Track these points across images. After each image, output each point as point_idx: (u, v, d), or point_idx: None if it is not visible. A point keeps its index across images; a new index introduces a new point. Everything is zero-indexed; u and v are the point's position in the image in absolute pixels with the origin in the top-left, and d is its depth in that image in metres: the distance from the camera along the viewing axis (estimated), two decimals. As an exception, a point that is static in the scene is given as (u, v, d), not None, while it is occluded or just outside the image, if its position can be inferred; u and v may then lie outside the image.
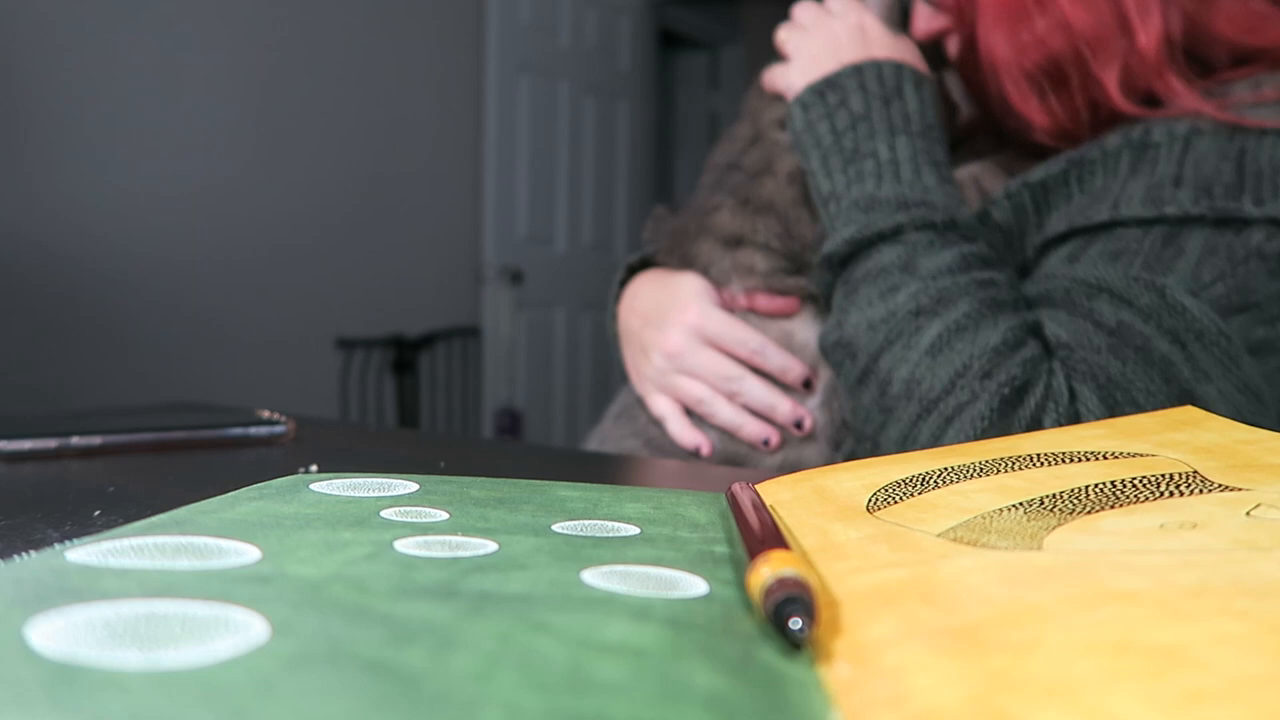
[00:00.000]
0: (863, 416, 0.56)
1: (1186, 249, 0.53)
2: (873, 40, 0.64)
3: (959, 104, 0.70)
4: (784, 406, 0.64)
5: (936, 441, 0.52)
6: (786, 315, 0.65)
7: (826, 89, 0.62)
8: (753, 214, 0.67)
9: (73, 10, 2.07)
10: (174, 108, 2.27)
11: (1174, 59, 0.58)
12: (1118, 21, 0.57)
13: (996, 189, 0.64)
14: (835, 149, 0.61)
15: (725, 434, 0.65)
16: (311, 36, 2.56)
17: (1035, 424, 0.51)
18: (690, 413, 0.67)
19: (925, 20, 0.69)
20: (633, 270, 0.76)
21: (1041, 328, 0.55)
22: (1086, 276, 0.54)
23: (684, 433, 0.66)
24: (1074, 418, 0.51)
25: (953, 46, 0.69)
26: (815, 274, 0.60)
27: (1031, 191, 0.59)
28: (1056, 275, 0.56)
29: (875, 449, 0.56)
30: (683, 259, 0.69)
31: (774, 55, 0.73)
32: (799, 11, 0.69)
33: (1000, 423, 0.51)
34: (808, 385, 0.64)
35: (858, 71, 0.62)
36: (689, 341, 0.65)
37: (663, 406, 0.67)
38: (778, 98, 0.69)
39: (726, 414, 0.64)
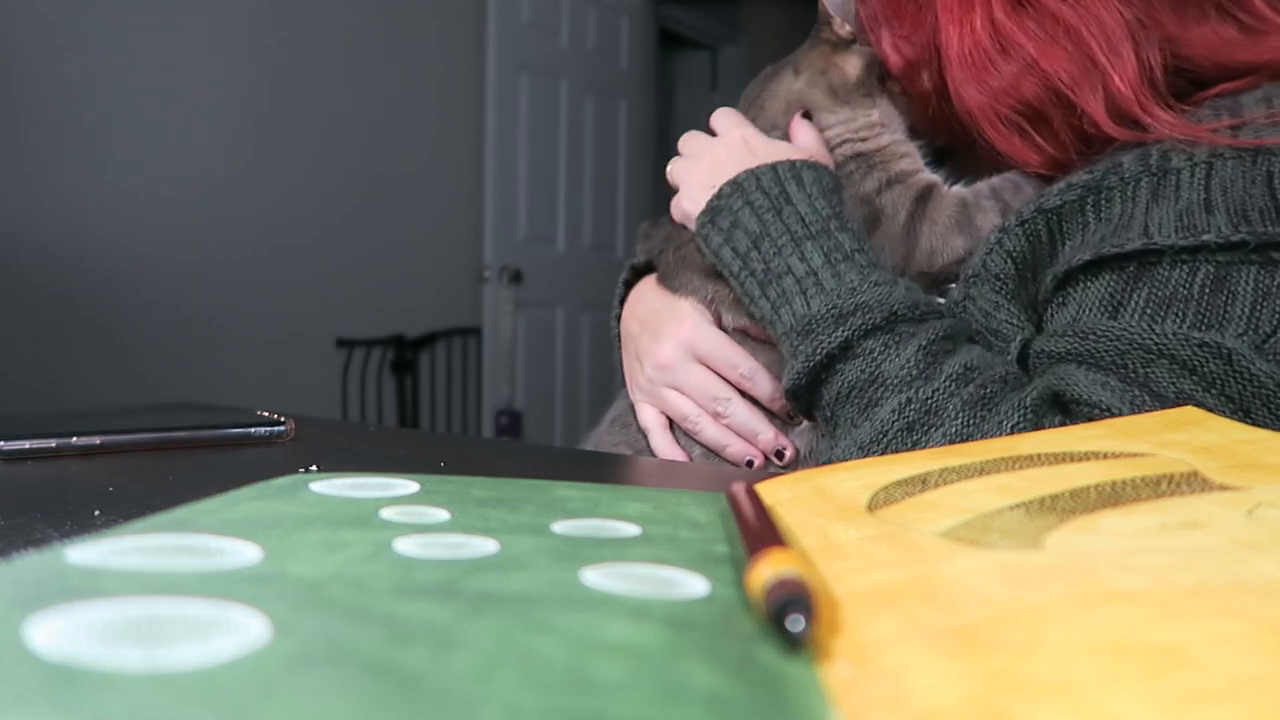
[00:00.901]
0: None
1: (1239, 293, 0.50)
2: (756, 150, 0.64)
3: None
4: (767, 434, 0.64)
5: None
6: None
7: (715, 214, 0.62)
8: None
9: (73, 10, 2.07)
10: (174, 108, 2.27)
11: (1156, 91, 0.56)
12: (1089, 63, 0.56)
13: (1019, 202, 0.63)
14: (746, 272, 0.60)
15: (708, 452, 0.65)
16: (312, 37, 2.56)
17: None
18: (676, 427, 0.67)
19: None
20: (637, 271, 0.76)
21: (1055, 398, 0.52)
22: (1142, 339, 0.51)
23: (666, 447, 0.66)
24: None
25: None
26: (789, 403, 0.59)
27: (1046, 219, 0.57)
28: (1104, 334, 0.52)
29: None
30: (668, 285, 0.69)
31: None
32: (683, 142, 0.70)
33: None
34: (792, 416, 0.64)
35: (738, 188, 0.61)
36: (681, 356, 0.65)
37: (649, 418, 0.67)
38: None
39: (711, 433, 0.64)
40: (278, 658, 0.17)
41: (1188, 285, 0.51)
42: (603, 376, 3.43)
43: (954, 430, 0.51)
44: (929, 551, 0.25)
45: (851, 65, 0.70)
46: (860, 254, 0.58)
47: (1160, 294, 0.52)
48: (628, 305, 0.74)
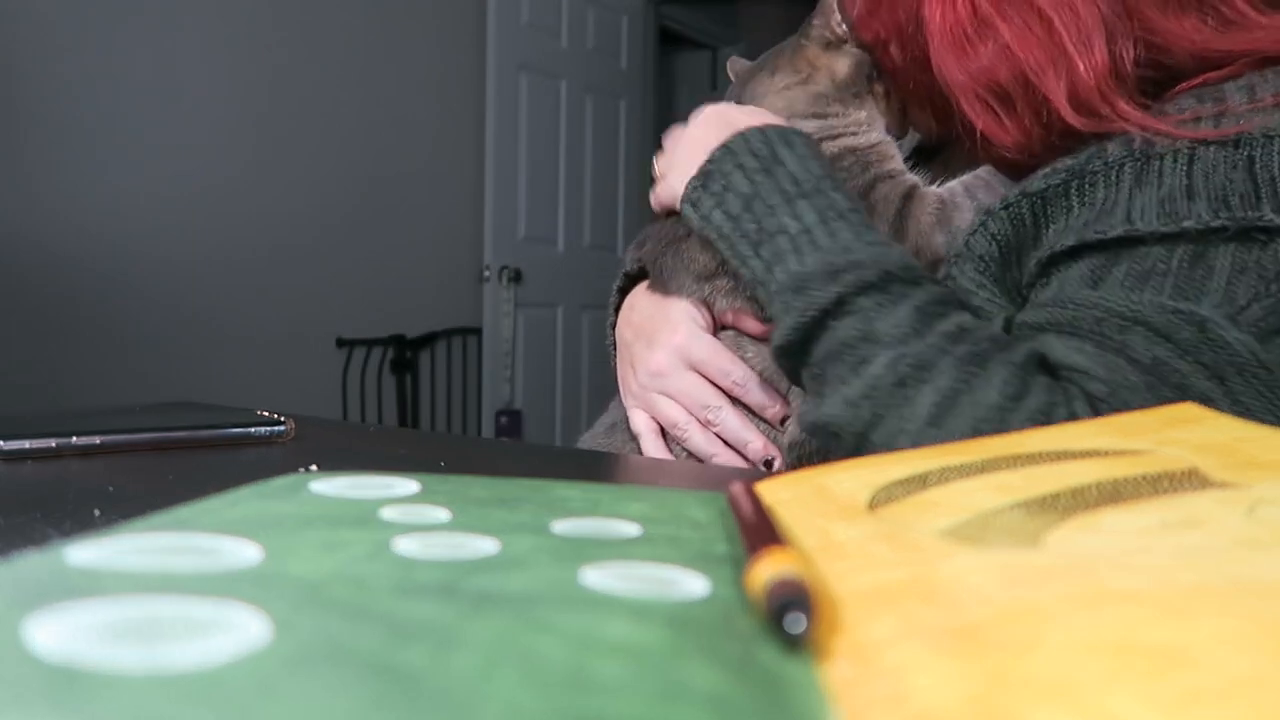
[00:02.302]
0: None
1: (1216, 267, 0.51)
2: (734, 119, 0.64)
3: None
4: (756, 443, 0.64)
5: None
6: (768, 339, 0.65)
7: (706, 179, 0.62)
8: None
9: (73, 10, 2.07)
10: (174, 108, 2.27)
11: (1123, 84, 0.57)
12: (1058, 51, 0.56)
13: (991, 199, 0.64)
14: (739, 234, 0.60)
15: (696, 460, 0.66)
16: (312, 37, 2.56)
17: None
18: (669, 434, 0.67)
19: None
20: (631, 278, 0.76)
21: (1041, 360, 0.53)
22: (1118, 307, 0.52)
23: (656, 453, 0.66)
24: None
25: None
26: (777, 362, 0.59)
27: (1030, 203, 0.57)
28: (1081, 302, 0.53)
29: None
30: (661, 290, 0.69)
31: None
32: (666, 140, 0.70)
33: None
34: (784, 422, 0.64)
35: (728, 152, 0.61)
36: (673, 363, 0.65)
37: (640, 423, 0.67)
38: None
39: (699, 441, 0.64)
40: (278, 657, 0.17)
41: (1166, 260, 0.52)
42: (602, 376, 3.43)
43: (944, 384, 0.51)
44: (929, 551, 0.25)
45: (842, 65, 0.70)
46: (854, 213, 0.58)
47: (1139, 268, 0.53)
48: (622, 313, 0.74)
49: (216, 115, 2.35)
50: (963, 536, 0.26)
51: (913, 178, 0.67)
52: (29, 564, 0.23)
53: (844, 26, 0.70)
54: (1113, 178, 0.55)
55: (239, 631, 0.19)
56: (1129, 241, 0.53)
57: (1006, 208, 0.58)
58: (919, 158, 0.76)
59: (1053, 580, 0.21)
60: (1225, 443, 0.32)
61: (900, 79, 0.67)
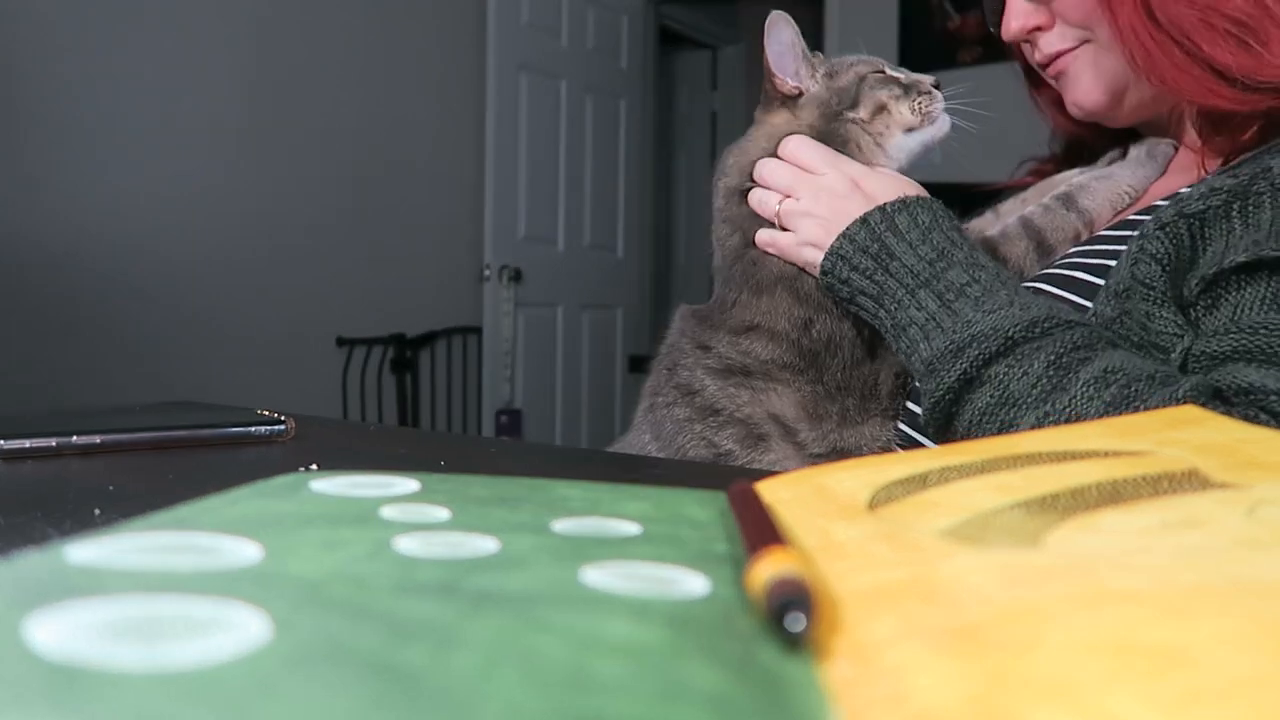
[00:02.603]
0: None
1: None
2: (865, 189, 0.64)
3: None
4: None
5: None
6: None
7: (830, 290, 0.64)
8: (753, 296, 0.69)
9: (73, 10, 2.07)
10: (174, 108, 2.27)
11: None
12: None
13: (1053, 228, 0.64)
14: (881, 326, 0.62)
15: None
16: (312, 37, 2.56)
17: None
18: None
19: (1020, 17, 0.68)
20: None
21: (1211, 390, 0.51)
22: None
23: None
24: None
25: (1046, 45, 0.68)
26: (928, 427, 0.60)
27: (1189, 223, 0.56)
28: (1274, 326, 0.51)
29: None
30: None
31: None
32: (768, 174, 0.69)
33: None
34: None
35: (840, 260, 0.62)
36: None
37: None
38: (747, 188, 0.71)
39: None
40: (278, 656, 0.17)
41: None
42: (602, 376, 3.43)
43: None
44: (929, 551, 0.25)
45: (806, 114, 0.71)
46: (974, 285, 0.58)
47: None
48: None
49: (216, 115, 2.35)
50: (963, 536, 0.26)
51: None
52: (29, 563, 0.23)
53: (790, 83, 0.71)
54: None
55: (239, 630, 0.19)
56: None
57: (1163, 228, 0.56)
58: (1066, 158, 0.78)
59: (1053, 580, 0.21)
60: (1226, 444, 0.32)
61: (1129, 42, 0.63)
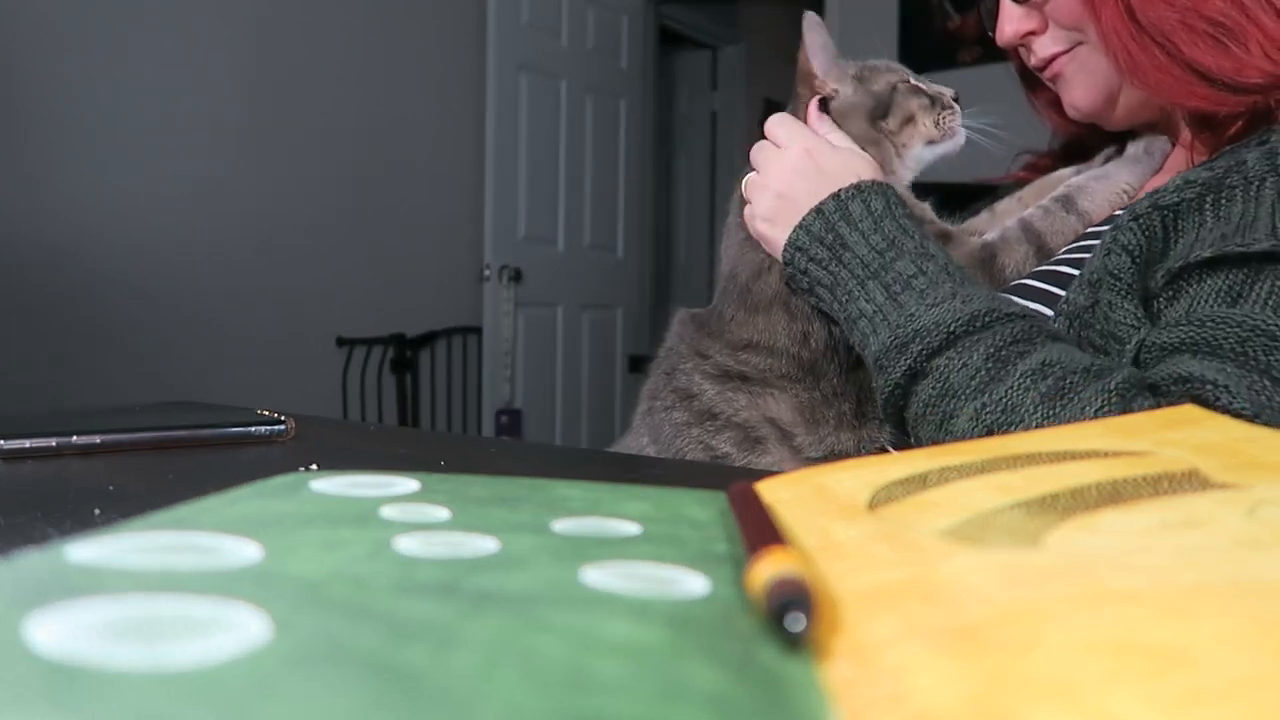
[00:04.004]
0: None
1: None
2: (821, 166, 0.65)
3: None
4: None
5: None
6: None
7: (791, 280, 0.65)
8: (750, 315, 0.69)
9: (73, 10, 2.07)
10: (174, 108, 2.27)
11: None
12: None
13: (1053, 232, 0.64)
14: (833, 311, 0.63)
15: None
16: (312, 36, 2.56)
17: None
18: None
19: (1014, 22, 0.68)
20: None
21: (1142, 385, 0.51)
22: (1265, 326, 0.49)
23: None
24: None
25: (1041, 49, 0.68)
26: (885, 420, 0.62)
27: (1162, 215, 0.56)
28: (1222, 320, 0.51)
29: None
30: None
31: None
32: (755, 154, 0.70)
33: None
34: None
35: (798, 251, 0.63)
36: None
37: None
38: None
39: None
40: (278, 656, 0.17)
41: None
42: (602, 376, 3.43)
43: (1033, 425, 0.50)
44: (929, 551, 0.25)
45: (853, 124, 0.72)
46: (919, 277, 0.59)
47: None
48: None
49: (216, 115, 2.35)
50: (963, 536, 0.26)
51: (943, 225, 0.69)
52: (29, 563, 0.23)
53: (830, 85, 0.72)
54: (1252, 192, 0.54)
55: (239, 630, 0.19)
56: (1272, 258, 0.51)
57: (1137, 219, 0.57)
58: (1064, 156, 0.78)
59: (1053, 580, 0.21)
60: (1226, 444, 0.32)
61: (1113, 45, 0.63)
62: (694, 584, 0.24)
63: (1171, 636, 0.18)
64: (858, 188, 0.63)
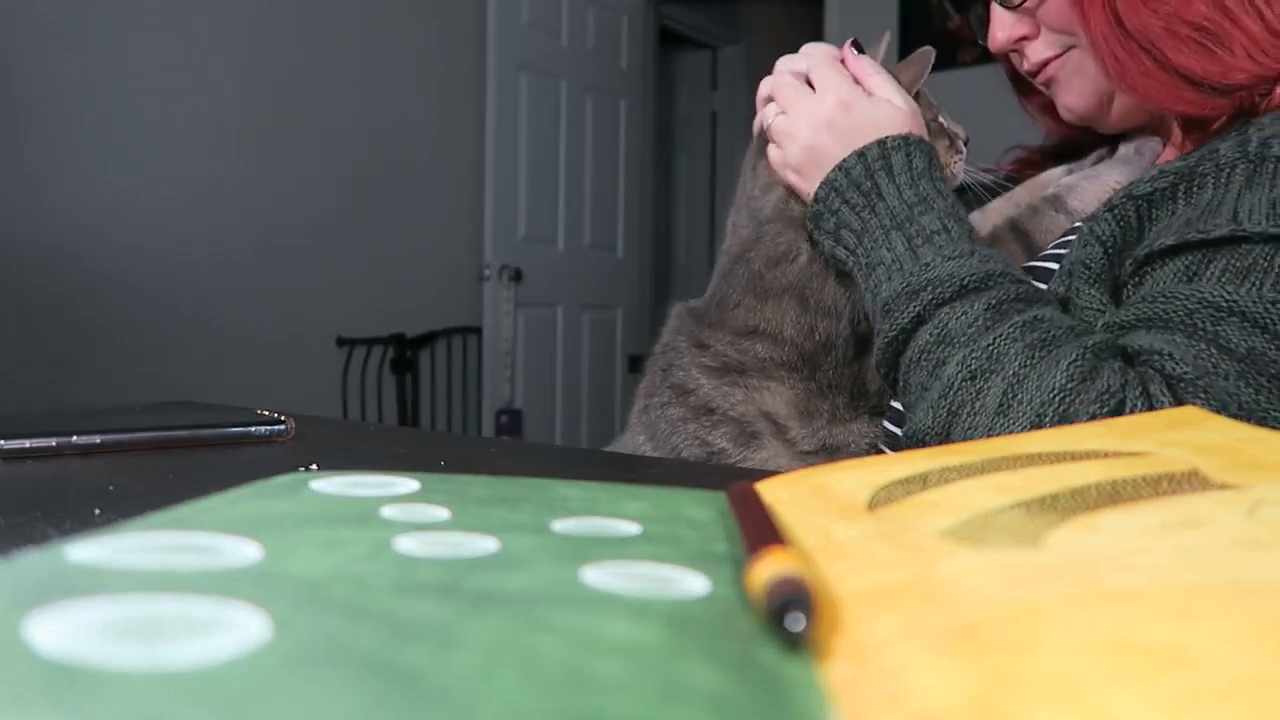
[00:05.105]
0: None
1: None
2: (855, 114, 0.64)
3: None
4: None
5: None
6: None
7: (818, 219, 0.65)
8: (759, 301, 0.69)
9: (73, 10, 2.07)
10: (174, 108, 2.27)
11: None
12: None
13: (1040, 230, 0.65)
14: (855, 264, 0.63)
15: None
16: (312, 36, 2.55)
17: None
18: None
19: (1006, 28, 0.68)
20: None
21: (1119, 350, 0.52)
22: (1213, 298, 0.51)
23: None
24: None
25: (1034, 54, 0.68)
26: (885, 382, 0.62)
27: (1137, 205, 0.57)
28: (1173, 295, 0.52)
29: None
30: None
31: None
32: (776, 89, 0.69)
33: None
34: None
35: (834, 190, 0.63)
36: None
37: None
38: (772, 185, 0.70)
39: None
40: (278, 656, 0.17)
41: (1269, 258, 0.51)
42: (602, 375, 3.43)
43: (1012, 372, 0.52)
44: (929, 551, 0.25)
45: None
46: (942, 234, 0.59)
47: (1239, 265, 0.52)
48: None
49: (216, 115, 2.35)
50: (963, 536, 0.26)
51: None
52: (29, 563, 0.23)
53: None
54: (1223, 179, 0.55)
55: (239, 630, 0.19)
56: (1232, 240, 0.52)
57: (1112, 210, 0.58)
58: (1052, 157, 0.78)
59: (1053, 580, 0.21)
60: (1226, 444, 0.32)
61: (1101, 51, 0.63)
62: (694, 584, 0.24)
63: (1171, 636, 0.18)
64: (906, 139, 0.63)
